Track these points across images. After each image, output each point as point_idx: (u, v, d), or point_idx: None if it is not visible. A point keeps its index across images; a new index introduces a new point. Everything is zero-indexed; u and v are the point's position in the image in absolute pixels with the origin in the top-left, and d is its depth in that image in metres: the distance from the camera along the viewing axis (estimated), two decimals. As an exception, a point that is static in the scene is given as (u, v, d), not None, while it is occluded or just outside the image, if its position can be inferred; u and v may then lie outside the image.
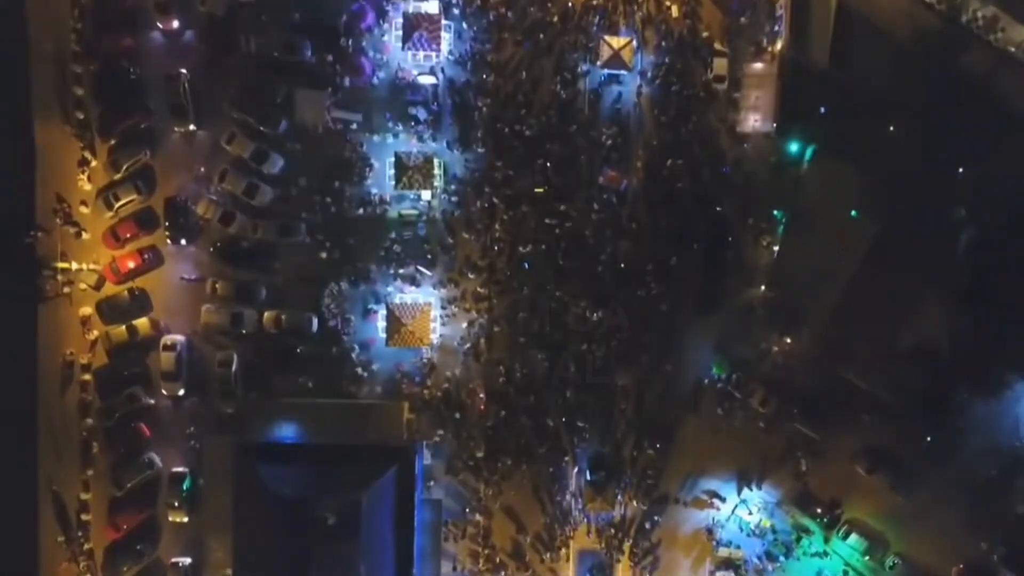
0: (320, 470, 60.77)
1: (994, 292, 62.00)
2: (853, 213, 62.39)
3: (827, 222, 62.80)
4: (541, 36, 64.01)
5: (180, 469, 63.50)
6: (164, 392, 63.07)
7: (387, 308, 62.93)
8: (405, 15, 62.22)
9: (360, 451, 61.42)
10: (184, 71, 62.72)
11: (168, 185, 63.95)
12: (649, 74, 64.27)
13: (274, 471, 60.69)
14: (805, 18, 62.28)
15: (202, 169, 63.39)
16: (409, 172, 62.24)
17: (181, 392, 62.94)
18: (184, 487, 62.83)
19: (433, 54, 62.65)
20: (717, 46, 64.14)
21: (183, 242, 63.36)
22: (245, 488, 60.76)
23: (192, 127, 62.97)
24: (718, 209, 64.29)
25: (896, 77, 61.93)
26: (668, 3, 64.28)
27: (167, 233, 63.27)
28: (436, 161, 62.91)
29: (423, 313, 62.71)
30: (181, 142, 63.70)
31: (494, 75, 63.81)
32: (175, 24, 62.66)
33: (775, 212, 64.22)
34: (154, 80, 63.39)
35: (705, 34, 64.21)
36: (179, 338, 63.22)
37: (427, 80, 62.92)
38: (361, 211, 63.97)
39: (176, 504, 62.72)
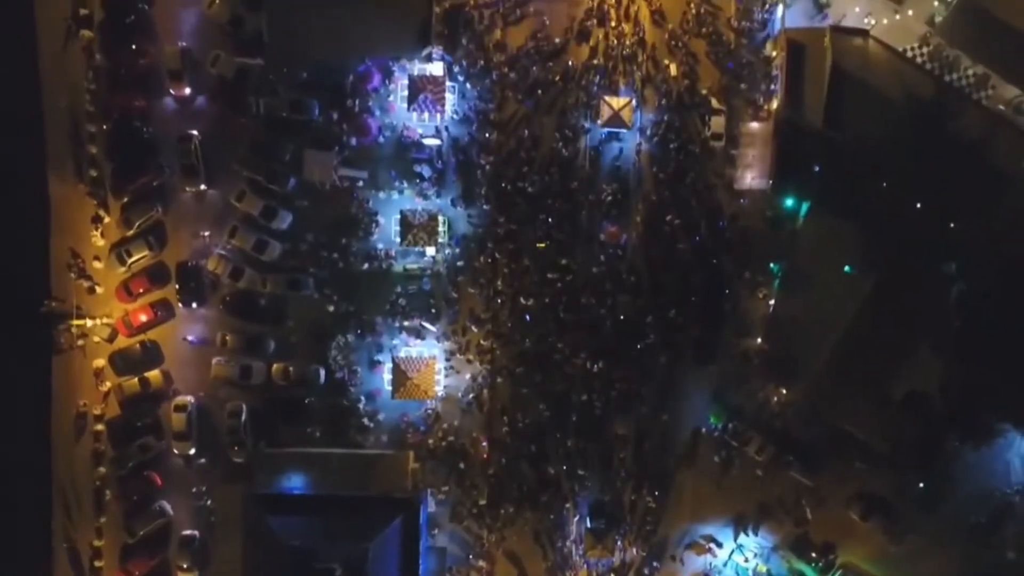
0: (328, 520, 62.23)
1: (984, 344, 63.36)
2: (847, 268, 63.78)
3: (822, 277, 64.13)
4: (540, 93, 65.48)
5: (190, 532, 65.06)
6: (175, 451, 64.69)
7: (393, 362, 64.54)
8: (410, 77, 63.87)
9: (367, 502, 62.86)
10: (195, 133, 64.37)
11: (179, 241, 65.57)
12: (648, 131, 65.86)
13: (283, 521, 62.18)
14: (800, 79, 63.74)
15: (208, 233, 65.09)
16: (414, 230, 63.95)
17: (192, 451, 64.56)
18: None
19: (438, 115, 64.25)
20: (714, 104, 65.70)
21: (194, 305, 64.95)
22: (254, 537, 62.34)
23: (203, 187, 64.61)
24: (715, 262, 65.86)
25: (889, 136, 63.17)
26: (667, 62, 65.87)
27: (178, 296, 64.90)
28: (440, 218, 64.57)
29: (428, 367, 64.33)
30: (192, 200, 65.40)
31: (497, 133, 65.41)
32: (187, 91, 64.34)
33: (771, 265, 65.79)
34: (166, 140, 65.00)
35: (703, 92, 65.83)
36: (190, 399, 64.84)
37: (432, 142, 64.61)
38: (367, 265, 65.52)
39: (186, 566, 64.25)
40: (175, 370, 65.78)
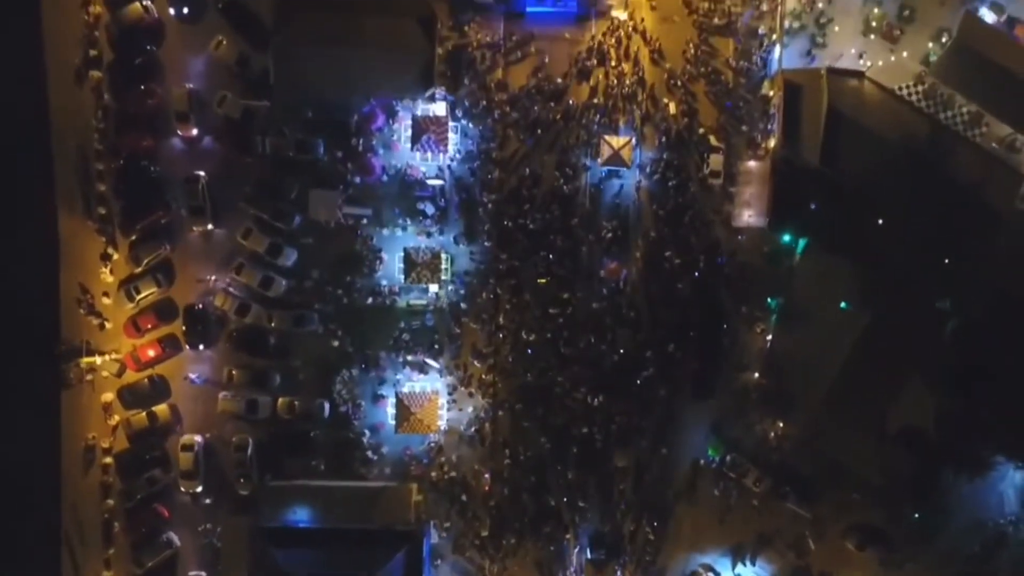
0: (333, 553, 63.37)
1: (978, 378, 64.45)
2: (843, 305, 64.80)
3: (818, 313, 65.07)
4: (541, 131, 66.53)
5: (196, 573, 66.28)
6: (183, 489, 65.78)
7: (396, 397, 65.64)
8: (414, 117, 65.00)
9: (371, 535, 63.88)
10: (202, 173, 65.50)
11: (187, 277, 66.68)
12: (648, 169, 66.93)
13: (289, 554, 63.37)
14: (797, 119, 64.70)
15: (213, 277, 66.23)
16: (418, 267, 65.09)
17: (199, 489, 65.66)
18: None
19: (441, 154, 65.38)
20: (713, 142, 66.74)
21: (201, 347, 66.07)
22: (260, 570, 63.59)
23: (210, 226, 65.75)
24: (714, 298, 66.88)
25: (884, 175, 64.06)
26: (666, 101, 66.94)
27: (185, 338, 65.97)
28: (443, 256, 65.70)
29: (431, 402, 65.46)
30: (199, 239, 66.54)
31: (498, 171, 66.50)
32: (194, 131, 65.44)
33: (768, 301, 66.85)
34: (173, 178, 66.10)
35: (701, 131, 66.89)
36: (197, 438, 65.97)
37: (435, 182, 65.80)
38: (371, 301, 66.58)
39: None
40: (182, 404, 66.88)
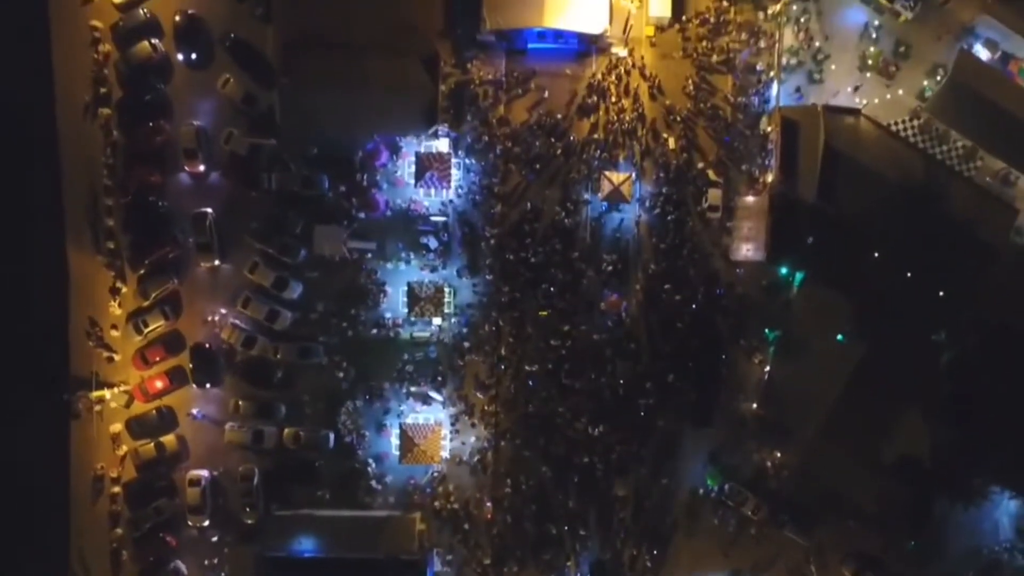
0: (338, 583, 64.78)
1: (972, 408, 65.53)
2: (840, 337, 65.84)
3: (815, 345, 66.11)
4: (542, 166, 67.63)
5: (204, 605, 67.77)
6: (190, 523, 66.93)
7: (400, 428, 66.77)
8: (417, 155, 66.16)
9: (376, 564, 64.93)
10: (210, 210, 66.61)
11: (194, 310, 67.83)
12: (648, 203, 67.99)
13: (294, 583, 64.71)
14: (794, 155, 65.73)
15: (219, 316, 67.33)
16: (421, 302, 66.27)
17: (206, 523, 66.79)
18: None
19: (444, 190, 66.53)
20: (711, 176, 67.83)
21: (208, 386, 67.22)
22: (267, 599, 64.88)
23: (217, 262, 66.87)
24: (712, 329, 67.91)
25: (880, 210, 65.17)
26: (665, 136, 68.01)
27: (192, 377, 67.13)
28: (446, 290, 66.79)
29: (434, 433, 66.55)
30: (207, 273, 67.69)
31: (500, 205, 67.62)
32: (201, 168, 66.59)
33: (766, 332, 67.89)
34: (181, 213, 67.29)
35: (700, 165, 67.97)
36: (204, 473, 67.08)
37: (439, 218, 66.99)
38: (375, 333, 67.66)
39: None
40: (189, 435, 68.03)
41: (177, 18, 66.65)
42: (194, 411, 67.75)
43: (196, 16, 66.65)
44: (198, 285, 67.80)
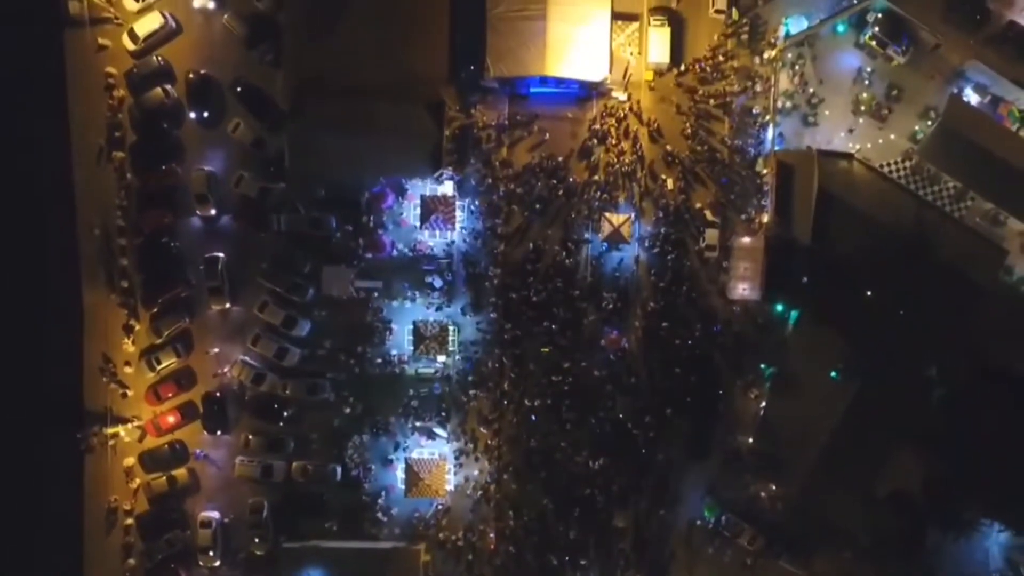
0: (345, 614, 66.47)
1: (963, 443, 67.21)
2: (834, 374, 67.58)
3: (810, 381, 67.94)
4: (544, 207, 69.32)
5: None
6: (201, 563, 68.75)
7: (406, 463, 68.58)
8: (423, 198, 67.97)
9: (382, 595, 66.99)
10: (221, 255, 68.43)
11: (206, 347, 69.63)
12: (647, 242, 69.74)
13: (303, 615, 66.43)
14: (789, 198, 67.55)
15: (227, 370, 69.25)
16: (426, 341, 68.06)
17: (217, 563, 68.67)
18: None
19: (449, 232, 68.40)
20: (709, 216, 69.59)
21: (218, 433, 69.05)
22: (276, 630, 66.70)
23: (228, 304, 68.76)
24: (710, 365, 69.75)
25: (873, 252, 66.77)
26: (664, 176, 69.82)
27: (203, 424, 68.91)
28: (451, 328, 68.58)
29: (439, 468, 68.37)
30: (218, 312, 69.52)
31: (503, 245, 69.40)
32: (212, 212, 68.45)
33: (762, 367, 69.70)
34: (193, 254, 69.10)
35: (698, 206, 69.72)
36: (214, 515, 68.96)
37: (443, 259, 68.84)
38: (381, 369, 69.39)
39: None
40: (200, 468, 69.81)
41: (190, 76, 68.46)
42: (197, 451, 69.47)
43: (208, 76, 68.53)
44: (210, 324, 69.60)
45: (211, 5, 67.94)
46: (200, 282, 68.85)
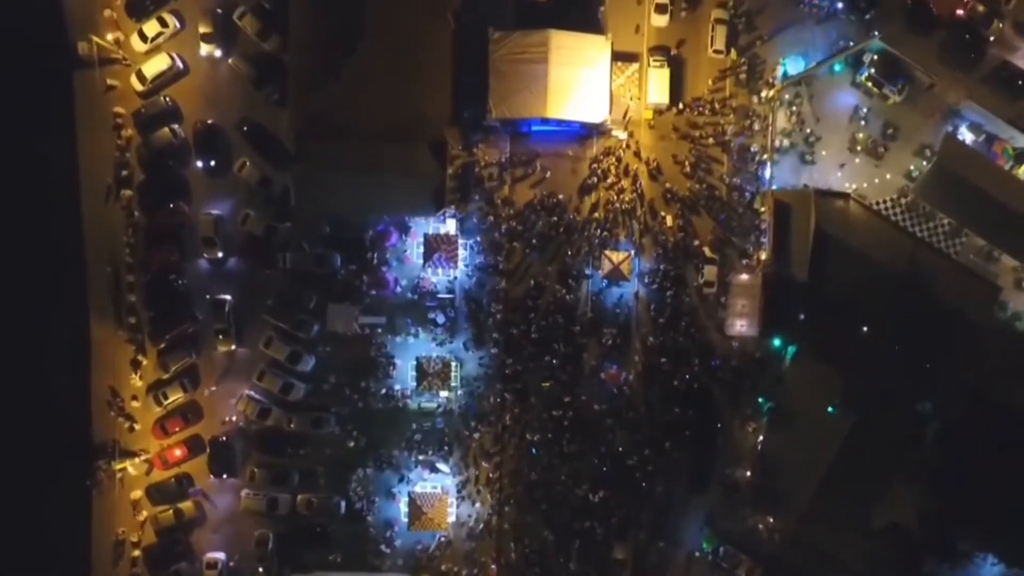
0: (349, 645, 67.72)
1: (957, 476, 68.17)
2: (830, 409, 68.60)
3: (807, 416, 68.85)
4: (546, 244, 70.24)
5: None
6: (207, 603, 70.14)
7: (409, 496, 69.64)
8: (426, 237, 69.08)
9: (385, 627, 68.23)
10: (228, 297, 69.57)
11: (212, 382, 70.90)
12: (646, 278, 70.79)
13: (307, 646, 67.65)
14: (787, 237, 68.47)
15: (234, 418, 70.53)
16: (429, 377, 69.17)
17: (223, 603, 70.09)
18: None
19: (451, 270, 69.51)
20: (707, 253, 70.59)
21: (224, 476, 70.12)
22: (282, 660, 67.81)
23: (234, 347, 70.00)
24: (708, 399, 70.73)
25: (869, 290, 67.83)
26: (663, 213, 70.88)
27: (209, 468, 69.95)
28: (453, 364, 69.66)
29: (441, 501, 69.44)
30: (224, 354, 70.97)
31: (505, 281, 70.46)
32: (220, 255, 69.65)
33: (760, 400, 70.73)
34: (200, 292, 70.20)
35: (696, 243, 70.79)
36: (220, 556, 70.13)
37: (446, 296, 69.98)
38: (385, 403, 70.53)
39: None
40: (206, 501, 70.88)
41: (197, 125, 69.61)
42: (191, 489, 70.50)
43: (215, 125, 69.70)
44: (216, 360, 70.78)
45: (217, 53, 69.16)
46: (207, 320, 69.91)
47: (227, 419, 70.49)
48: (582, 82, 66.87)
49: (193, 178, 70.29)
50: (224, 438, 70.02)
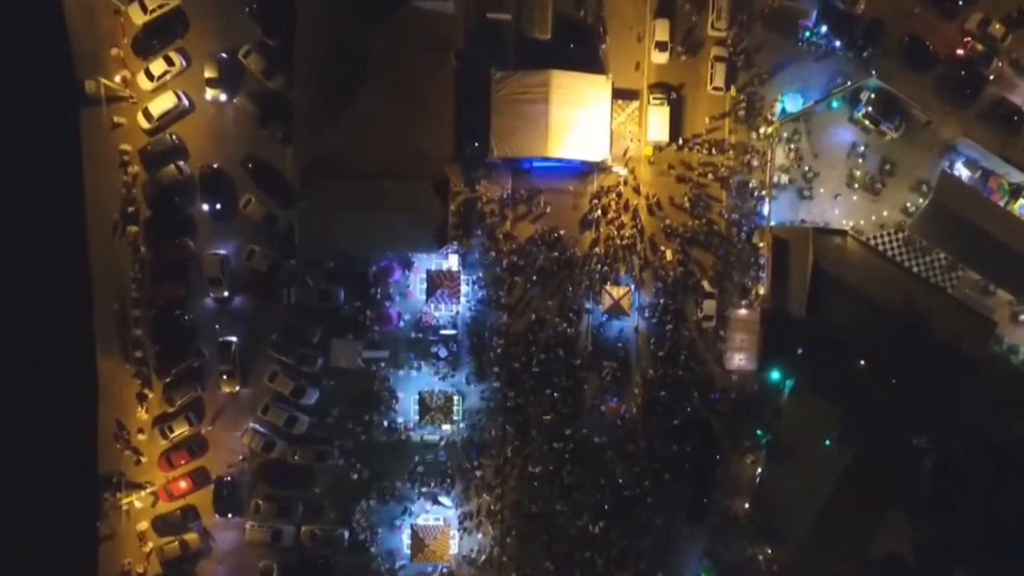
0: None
1: (952, 508, 69.29)
2: (828, 442, 69.57)
3: (805, 449, 69.78)
4: (547, 278, 70.99)
5: None
6: (213, 633, 71.09)
7: (412, 529, 70.50)
8: (428, 273, 69.97)
9: (388, 656, 69.06)
10: (235, 339, 70.42)
11: (217, 418, 71.85)
12: (646, 312, 71.67)
13: (311, 677, 68.50)
14: (785, 273, 69.58)
15: (240, 459, 71.32)
16: (432, 411, 70.08)
17: (229, 638, 70.99)
18: None
19: (454, 306, 70.41)
20: (707, 287, 71.40)
21: (229, 515, 70.91)
22: None
23: (238, 388, 70.93)
24: (707, 431, 71.58)
25: (866, 326, 68.88)
26: (663, 248, 71.70)
27: (215, 507, 70.66)
28: (455, 398, 70.52)
29: (443, 534, 70.35)
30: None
31: (506, 316, 71.29)
32: (225, 294, 70.49)
33: (758, 432, 71.56)
34: (206, 327, 71.08)
35: (696, 277, 71.65)
36: None
37: (449, 332, 70.78)
38: (388, 435, 71.29)
39: None
40: (213, 532, 71.70)
41: (203, 168, 70.50)
42: (194, 525, 71.34)
43: (221, 169, 70.54)
44: (221, 397, 71.59)
45: (223, 98, 70.05)
46: (213, 359, 70.76)
47: (233, 461, 71.29)
48: (583, 121, 67.77)
49: (199, 215, 71.12)
50: (229, 478, 70.81)
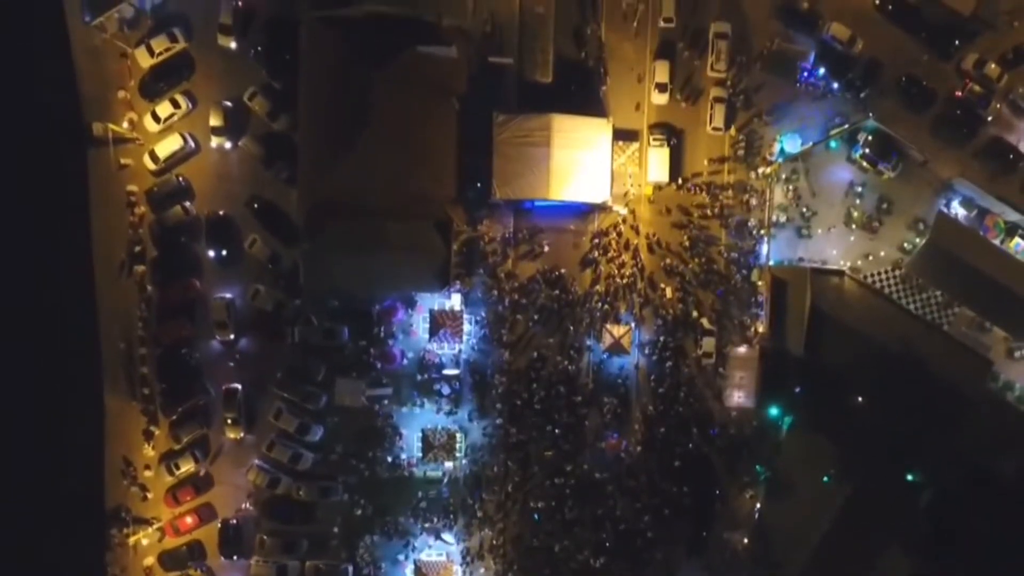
0: None
1: (949, 543, 70.37)
2: (826, 478, 70.47)
3: (803, 484, 70.79)
4: (546, 317, 71.93)
5: None
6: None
7: (415, 564, 71.49)
8: (431, 312, 70.90)
9: None
10: (239, 386, 71.25)
11: (222, 456, 72.64)
12: (646, 349, 72.56)
13: None
14: (783, 312, 70.46)
15: (247, 505, 72.11)
16: (435, 449, 71.04)
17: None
18: None
19: (457, 345, 71.29)
20: (706, 325, 72.31)
21: (235, 558, 71.72)
22: None
23: (243, 434, 71.71)
24: (707, 466, 72.48)
25: (863, 365, 69.58)
26: (663, 286, 72.60)
27: (220, 550, 71.51)
28: (458, 436, 71.41)
29: (446, 569, 71.37)
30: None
31: (508, 353, 72.15)
32: (231, 336, 71.42)
33: (757, 468, 72.45)
34: (212, 366, 71.95)
35: (695, 315, 72.56)
36: None
37: (451, 371, 71.65)
38: (391, 471, 72.17)
39: None
40: (217, 569, 72.64)
41: (208, 215, 71.44)
42: (197, 565, 72.01)
43: (227, 216, 71.46)
44: (225, 440, 72.46)
45: (227, 145, 71.01)
46: (218, 402, 71.60)
47: (239, 499, 72.09)
48: (584, 164, 68.72)
49: (205, 256, 71.98)
50: (235, 520, 71.61)
